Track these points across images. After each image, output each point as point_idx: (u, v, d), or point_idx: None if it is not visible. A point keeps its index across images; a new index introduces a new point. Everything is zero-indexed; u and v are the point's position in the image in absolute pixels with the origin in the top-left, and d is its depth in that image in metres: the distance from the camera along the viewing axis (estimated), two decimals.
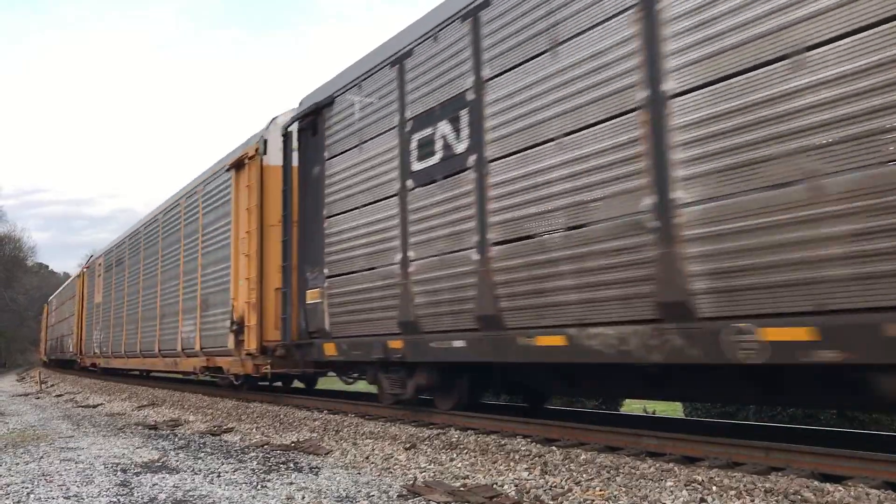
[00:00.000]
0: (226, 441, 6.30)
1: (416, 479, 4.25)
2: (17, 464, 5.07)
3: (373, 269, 7.17)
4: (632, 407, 11.47)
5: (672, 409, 11.32)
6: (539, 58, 5.45)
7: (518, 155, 5.58)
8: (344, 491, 3.95)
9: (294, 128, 8.75)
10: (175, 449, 5.75)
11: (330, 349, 7.84)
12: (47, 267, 76.80)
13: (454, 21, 6.36)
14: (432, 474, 4.39)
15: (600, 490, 3.78)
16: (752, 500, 3.44)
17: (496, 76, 5.86)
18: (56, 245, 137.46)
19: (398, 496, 3.79)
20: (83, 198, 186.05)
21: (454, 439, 5.74)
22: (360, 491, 3.94)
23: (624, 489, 3.77)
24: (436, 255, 6.36)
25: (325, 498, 3.79)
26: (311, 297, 8.15)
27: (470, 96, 6.09)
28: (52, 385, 19.45)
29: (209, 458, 5.25)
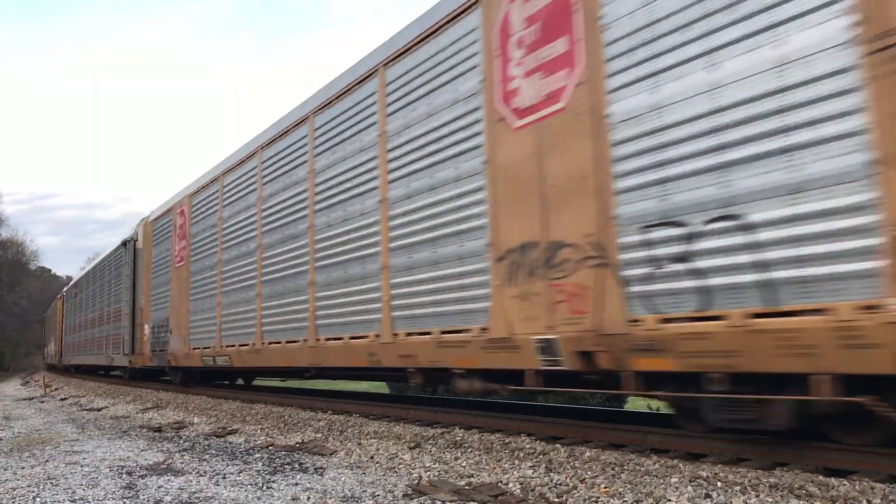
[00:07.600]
0: (230, 442, 6.31)
1: (421, 478, 4.26)
2: (23, 468, 5.08)
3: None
4: (636, 404, 11.46)
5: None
6: None
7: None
8: (349, 491, 3.95)
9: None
10: (180, 451, 5.75)
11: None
12: (50, 271, 76.95)
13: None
14: (437, 473, 4.39)
15: (605, 487, 3.78)
16: (758, 496, 3.44)
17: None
18: (66, 249, 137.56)
19: (403, 495, 3.79)
20: (96, 202, 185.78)
21: (458, 438, 5.75)
22: (365, 491, 3.94)
23: (629, 486, 3.77)
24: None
25: (330, 498, 3.79)
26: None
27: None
28: (57, 389, 19.49)
29: (214, 459, 5.26)
